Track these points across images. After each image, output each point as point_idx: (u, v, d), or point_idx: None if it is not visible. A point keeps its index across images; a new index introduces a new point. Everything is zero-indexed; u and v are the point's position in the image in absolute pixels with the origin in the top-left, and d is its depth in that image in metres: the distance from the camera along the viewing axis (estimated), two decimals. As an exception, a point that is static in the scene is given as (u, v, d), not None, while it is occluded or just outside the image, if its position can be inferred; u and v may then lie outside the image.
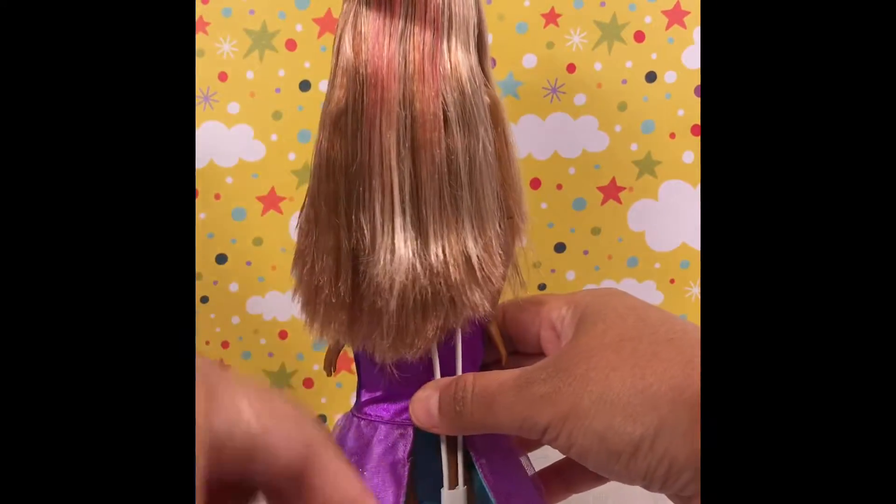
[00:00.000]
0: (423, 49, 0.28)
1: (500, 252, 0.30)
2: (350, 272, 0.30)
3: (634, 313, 0.28)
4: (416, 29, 0.28)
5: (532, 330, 0.32)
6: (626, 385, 0.25)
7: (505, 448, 0.33)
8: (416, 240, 0.28)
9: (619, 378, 0.26)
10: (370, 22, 0.29)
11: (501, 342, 0.33)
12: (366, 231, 0.29)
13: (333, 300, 0.30)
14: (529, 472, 0.34)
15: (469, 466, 0.32)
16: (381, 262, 0.28)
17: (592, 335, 0.28)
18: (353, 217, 0.29)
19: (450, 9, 0.28)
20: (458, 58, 0.28)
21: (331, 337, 0.31)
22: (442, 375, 0.31)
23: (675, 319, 0.28)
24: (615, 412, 0.25)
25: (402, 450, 0.32)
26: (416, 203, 0.28)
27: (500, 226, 0.30)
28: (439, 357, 0.31)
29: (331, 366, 0.34)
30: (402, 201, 0.28)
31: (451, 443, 0.32)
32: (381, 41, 0.28)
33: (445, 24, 0.28)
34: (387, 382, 0.32)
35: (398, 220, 0.28)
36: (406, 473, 0.31)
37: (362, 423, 0.33)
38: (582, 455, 0.27)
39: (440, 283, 0.29)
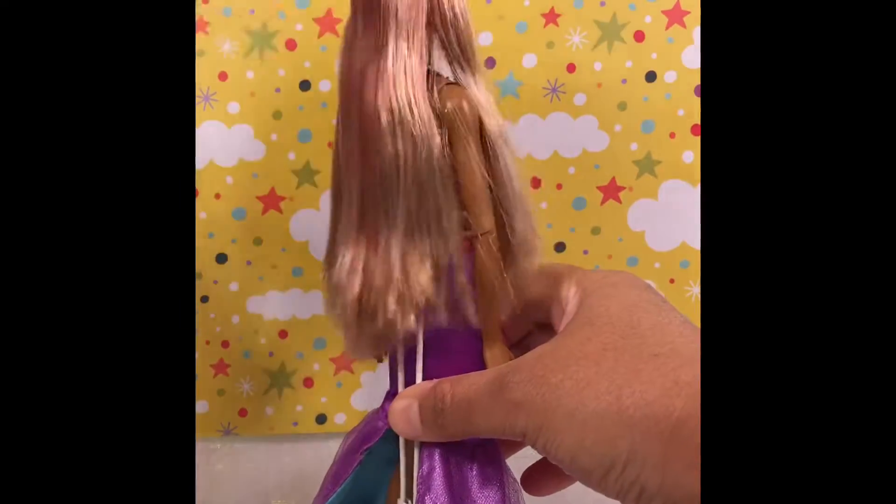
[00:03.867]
0: (368, 52, 0.28)
1: (438, 264, 0.29)
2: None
3: (628, 317, 0.27)
4: (367, 32, 0.28)
5: (545, 302, 0.32)
6: (600, 404, 0.24)
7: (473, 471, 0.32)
8: (361, 246, 0.29)
9: (593, 395, 0.25)
10: (349, 27, 0.29)
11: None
12: (339, 229, 0.30)
13: (327, 290, 0.31)
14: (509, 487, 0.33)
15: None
16: (337, 263, 0.29)
17: (577, 339, 0.27)
18: (339, 213, 0.30)
19: (396, 9, 0.27)
20: (399, 60, 0.28)
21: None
22: (407, 381, 0.31)
23: (670, 326, 0.27)
24: (587, 431, 0.24)
25: (366, 444, 0.32)
26: (363, 209, 0.28)
27: (437, 238, 0.29)
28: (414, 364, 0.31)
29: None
30: (356, 206, 0.29)
31: (410, 454, 0.31)
32: (351, 45, 0.29)
33: (391, 24, 0.27)
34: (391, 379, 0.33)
35: (354, 223, 0.29)
36: (354, 464, 0.32)
37: (372, 414, 0.34)
38: (558, 464, 0.26)
39: (367, 293, 0.28)
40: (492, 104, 0.30)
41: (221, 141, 0.50)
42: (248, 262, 0.52)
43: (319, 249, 0.52)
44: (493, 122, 0.30)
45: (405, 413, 0.30)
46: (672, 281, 0.53)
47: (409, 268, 0.28)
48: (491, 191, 0.30)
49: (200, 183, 0.51)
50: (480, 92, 0.30)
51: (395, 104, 0.27)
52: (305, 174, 0.51)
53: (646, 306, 0.28)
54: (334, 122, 0.30)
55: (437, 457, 0.31)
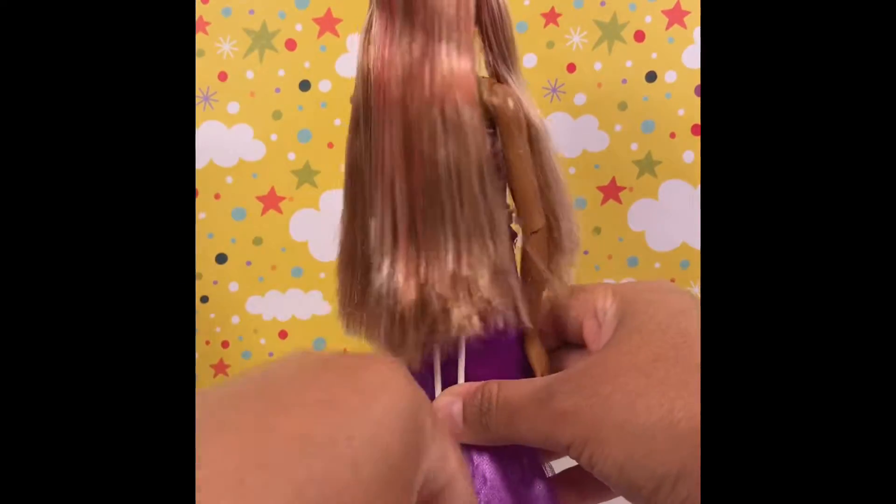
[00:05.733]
0: (414, 52, 0.27)
1: (495, 266, 0.28)
2: (361, 275, 0.29)
3: (676, 325, 0.26)
4: (410, 31, 0.27)
5: (576, 318, 0.31)
6: (651, 416, 0.23)
7: (517, 477, 0.31)
8: (412, 251, 0.27)
9: (645, 407, 0.24)
10: (378, 24, 0.28)
11: (539, 363, 0.31)
12: (371, 236, 0.28)
13: (348, 301, 0.30)
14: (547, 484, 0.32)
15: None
16: (380, 270, 0.28)
17: (625, 349, 0.26)
18: (366, 219, 0.29)
19: (441, 10, 0.27)
20: (448, 61, 0.27)
21: (356, 336, 0.31)
22: (443, 387, 0.31)
23: None
24: (637, 445, 0.23)
25: None
26: (412, 213, 0.27)
27: (492, 240, 0.28)
28: (453, 368, 0.30)
29: None
30: (402, 210, 0.27)
31: None
32: (385, 43, 0.27)
33: (441, 25, 0.27)
34: None
35: (400, 227, 0.27)
36: None
37: None
38: (603, 479, 0.25)
39: (427, 297, 0.27)
40: (532, 101, 0.30)
41: (221, 141, 0.50)
42: (248, 263, 0.52)
43: (319, 249, 0.52)
44: (536, 119, 0.29)
45: (447, 409, 0.29)
46: (672, 281, 0.53)
47: (469, 271, 0.27)
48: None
49: (200, 183, 0.51)
50: (522, 89, 0.29)
51: (448, 107, 0.27)
52: (305, 174, 0.51)
53: (692, 313, 0.27)
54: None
55: (482, 451, 0.30)
